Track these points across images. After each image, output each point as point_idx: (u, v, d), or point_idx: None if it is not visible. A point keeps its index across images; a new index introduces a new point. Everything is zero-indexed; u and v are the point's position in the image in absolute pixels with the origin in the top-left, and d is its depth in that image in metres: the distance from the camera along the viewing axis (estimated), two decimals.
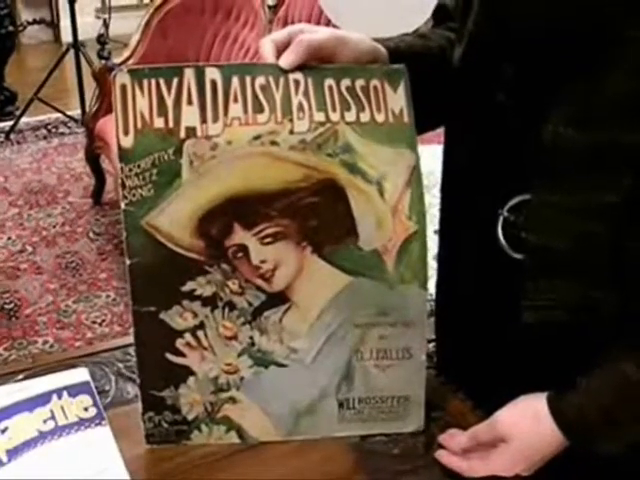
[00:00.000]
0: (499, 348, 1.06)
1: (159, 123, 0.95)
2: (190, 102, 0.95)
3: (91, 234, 3.89)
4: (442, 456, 1.01)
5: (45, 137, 5.14)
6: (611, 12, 0.87)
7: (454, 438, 1.01)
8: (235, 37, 4.20)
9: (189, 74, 0.95)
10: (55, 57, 5.38)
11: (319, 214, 0.96)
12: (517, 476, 0.97)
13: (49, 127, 5.25)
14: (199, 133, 0.95)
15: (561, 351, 0.97)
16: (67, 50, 5.29)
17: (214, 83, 0.95)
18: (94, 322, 3.22)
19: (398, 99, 0.97)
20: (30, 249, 3.78)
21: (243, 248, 0.96)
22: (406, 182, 0.97)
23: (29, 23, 7.75)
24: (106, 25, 6.88)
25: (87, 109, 4.57)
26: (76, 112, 5.22)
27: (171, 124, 0.95)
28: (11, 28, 5.55)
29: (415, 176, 0.97)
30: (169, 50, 4.22)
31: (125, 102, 0.95)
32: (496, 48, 0.99)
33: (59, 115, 5.22)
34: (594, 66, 0.89)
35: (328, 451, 1.03)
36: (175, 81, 0.95)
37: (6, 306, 3.32)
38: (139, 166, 0.94)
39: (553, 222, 0.94)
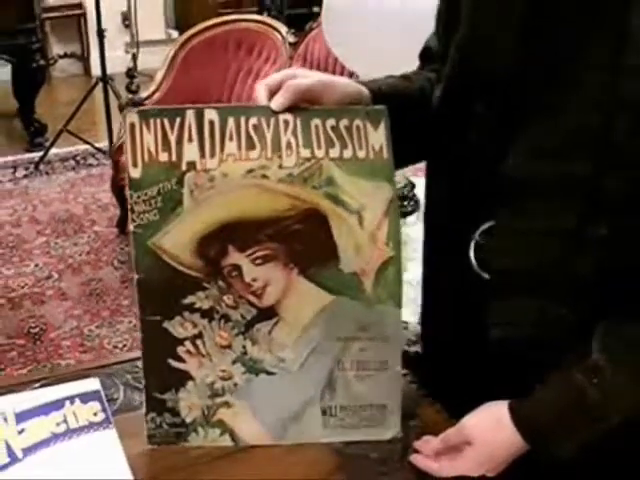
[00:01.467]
0: (472, 363, 1.16)
1: (164, 157, 1.07)
2: (191, 139, 1.07)
3: (115, 262, 4.03)
4: (416, 459, 1.11)
5: (73, 168, 5.29)
6: (565, 59, 0.98)
7: (427, 443, 1.12)
8: (257, 72, 4.33)
9: (190, 115, 1.07)
10: (85, 90, 5.53)
11: (304, 239, 1.07)
12: (483, 477, 1.07)
13: (77, 158, 5.40)
14: (198, 167, 1.06)
15: (526, 364, 1.07)
16: (96, 83, 5.44)
17: (212, 123, 1.07)
18: (116, 347, 3.34)
19: (379, 137, 1.09)
20: (56, 276, 3.91)
21: (237, 268, 1.08)
22: (384, 212, 1.08)
23: (60, 57, 7.95)
24: (134, 59, 7.08)
25: (114, 141, 4.72)
26: (104, 144, 5.37)
27: (174, 158, 1.07)
28: (42, 62, 5.73)
29: (392, 207, 1.08)
30: (193, 85, 4.35)
31: (134, 138, 1.07)
32: (468, 90, 1.10)
33: (87, 147, 5.37)
34: (549, 105, 1.00)
35: (313, 455, 1.14)
36: (178, 121, 1.07)
37: (32, 330, 3.45)
38: (146, 194, 1.06)
39: (515, 245, 1.05)
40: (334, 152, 1.08)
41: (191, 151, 1.07)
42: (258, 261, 1.08)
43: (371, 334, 1.10)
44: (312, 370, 1.11)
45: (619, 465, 1.09)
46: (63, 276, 3.90)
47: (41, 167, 5.23)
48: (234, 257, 1.07)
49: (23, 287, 3.80)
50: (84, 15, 7.85)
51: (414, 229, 2.01)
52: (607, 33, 0.96)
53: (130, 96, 4.37)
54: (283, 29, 4.29)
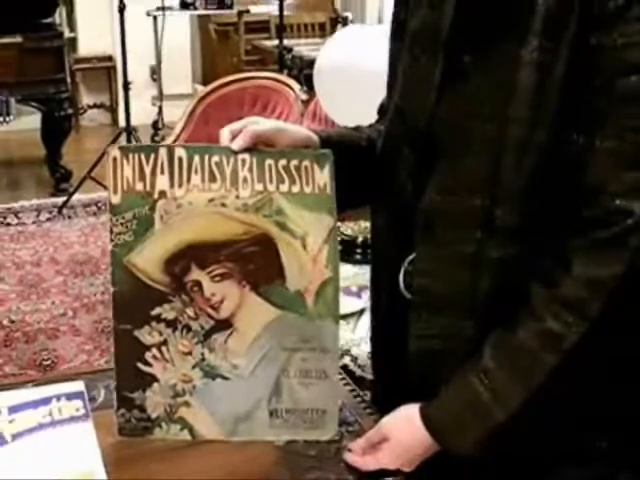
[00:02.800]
0: (404, 374, 1.33)
1: (139, 186, 1.26)
2: (162, 172, 1.26)
3: None
4: (346, 456, 1.29)
5: (95, 213, 5.52)
6: (466, 113, 1.18)
7: (356, 442, 1.29)
8: None
9: (162, 152, 1.27)
10: (111, 139, 5.78)
11: (256, 261, 1.26)
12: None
13: (99, 204, 5.64)
14: (168, 195, 1.25)
15: (440, 371, 1.25)
16: (120, 134, 5.68)
17: (180, 159, 1.26)
18: None
19: (324, 176, 1.27)
20: (71, 313, 4.11)
21: (198, 284, 1.26)
22: (325, 239, 1.26)
23: (89, 107, 8.26)
24: (160, 111, 7.35)
25: None
26: None
27: (148, 188, 1.26)
28: (70, 111, 6.00)
29: (332, 235, 1.27)
30: (210, 138, 4.54)
31: (115, 170, 1.26)
32: (399, 137, 1.30)
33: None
34: (453, 151, 1.20)
35: (259, 450, 1.32)
36: (152, 156, 1.26)
37: (44, 362, 3.65)
38: (124, 217, 1.26)
39: (429, 269, 1.23)
40: (284, 187, 1.26)
41: (162, 182, 1.26)
42: (216, 278, 1.26)
43: (312, 346, 1.28)
44: (261, 376, 1.29)
45: (519, 463, 1.25)
46: (77, 314, 4.11)
47: (64, 211, 5.46)
48: (196, 274, 1.26)
49: (39, 322, 4.00)
50: (114, 67, 8.15)
51: None
52: (498, 88, 1.15)
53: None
54: (296, 87, 4.51)
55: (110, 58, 8.20)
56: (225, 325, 1.27)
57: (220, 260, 1.26)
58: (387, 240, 1.36)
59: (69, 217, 5.44)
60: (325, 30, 8.79)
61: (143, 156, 1.27)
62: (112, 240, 1.26)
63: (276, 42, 7.63)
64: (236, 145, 1.26)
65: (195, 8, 7.59)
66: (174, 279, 1.26)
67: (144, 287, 1.26)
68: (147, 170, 1.26)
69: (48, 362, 3.65)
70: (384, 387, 1.45)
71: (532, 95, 1.12)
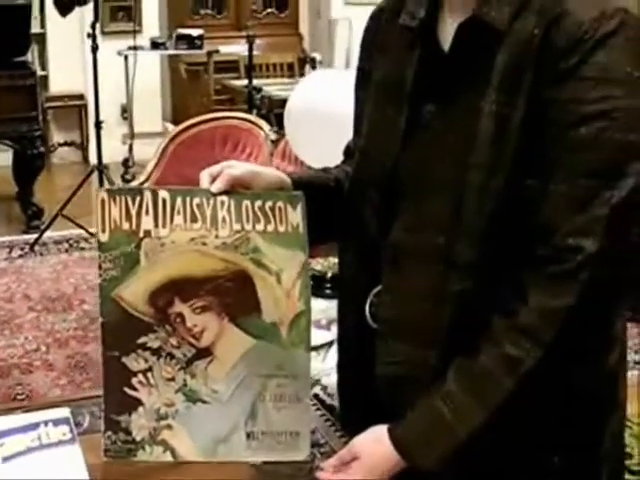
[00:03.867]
0: (371, 398, 1.43)
1: (126, 226, 1.36)
2: (147, 213, 1.36)
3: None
4: (319, 474, 1.38)
5: (66, 250, 5.60)
6: (428, 158, 1.30)
7: (328, 461, 1.39)
8: None
9: (147, 194, 1.37)
10: (82, 177, 5.86)
11: (234, 294, 1.36)
12: None
13: (70, 242, 5.71)
14: (153, 234, 1.36)
15: (404, 395, 1.35)
16: (92, 171, 5.77)
17: (164, 201, 1.37)
18: None
19: (296, 216, 1.38)
20: (44, 349, 4.18)
21: (181, 315, 1.36)
22: (298, 274, 1.37)
23: (60, 145, 8.33)
24: (131, 150, 7.44)
25: None
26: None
27: (134, 227, 1.36)
28: (42, 149, 6.07)
29: (304, 270, 1.37)
30: (181, 177, 4.65)
31: (103, 211, 1.37)
32: (366, 180, 1.41)
33: (80, 231, 5.68)
34: (417, 193, 1.32)
35: (237, 470, 1.41)
36: (138, 198, 1.37)
37: (18, 397, 3.71)
38: (111, 254, 1.36)
39: (394, 300, 1.34)
40: (259, 226, 1.37)
41: (147, 222, 1.36)
42: (198, 310, 1.36)
43: (286, 372, 1.38)
44: (239, 400, 1.39)
45: (479, 477, 1.35)
46: (50, 349, 4.17)
47: (36, 248, 5.54)
48: (179, 307, 1.36)
49: (12, 357, 4.07)
50: (85, 105, 8.23)
51: None
52: (459, 137, 1.27)
53: (123, 184, 4.68)
54: (266, 127, 4.61)
55: (81, 97, 8.30)
56: (206, 353, 1.37)
57: (201, 294, 1.36)
58: (354, 273, 1.47)
59: (41, 254, 5.51)
60: (293, 70, 8.97)
61: (129, 198, 1.37)
62: (101, 275, 1.36)
63: (245, 82, 7.77)
64: (215, 188, 1.36)
65: (166, 48, 7.73)
66: (158, 311, 1.36)
67: (131, 318, 1.36)
68: (133, 211, 1.36)
69: (22, 396, 3.71)
70: (351, 411, 1.55)
71: (490, 144, 1.24)
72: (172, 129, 8.58)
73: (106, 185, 5.67)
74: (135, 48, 6.95)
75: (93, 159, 7.62)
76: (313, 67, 7.88)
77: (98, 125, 5.78)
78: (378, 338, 1.38)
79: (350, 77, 2.51)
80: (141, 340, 1.37)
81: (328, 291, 2.47)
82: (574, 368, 1.26)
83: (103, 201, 1.37)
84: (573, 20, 1.21)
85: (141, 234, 1.36)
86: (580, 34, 1.20)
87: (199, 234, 1.36)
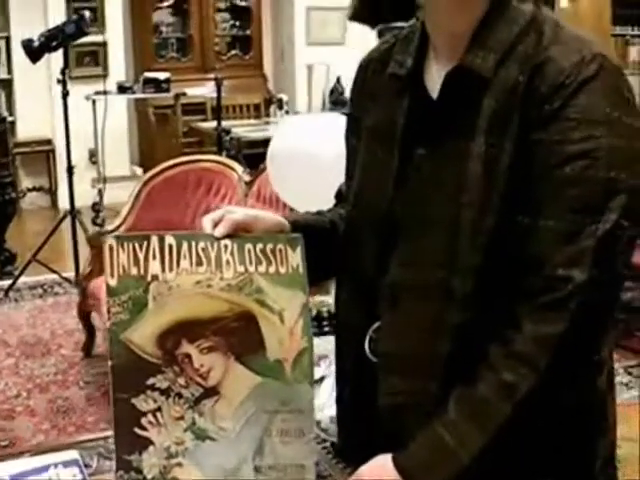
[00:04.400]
0: (372, 430, 1.49)
1: (134, 271, 1.41)
2: (154, 258, 1.42)
3: (81, 383, 4.33)
4: None
5: (41, 296, 5.61)
6: (422, 198, 1.37)
7: None
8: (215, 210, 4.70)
9: (154, 240, 1.43)
10: (52, 222, 5.91)
11: (239, 334, 1.42)
12: None
13: (45, 287, 5.73)
14: (160, 278, 1.41)
15: (408, 424, 1.41)
16: (64, 216, 5.80)
17: (170, 246, 1.43)
18: None
19: (296, 257, 1.45)
20: (25, 394, 4.19)
21: (188, 356, 1.41)
22: (299, 313, 1.43)
23: (29, 190, 8.35)
24: (100, 194, 7.47)
25: (81, 270, 5.06)
26: (70, 274, 5.71)
27: (142, 272, 1.41)
28: (13, 195, 6.10)
29: (305, 309, 1.43)
30: (156, 220, 4.69)
31: (112, 256, 1.42)
32: (362, 219, 1.48)
33: (55, 276, 5.70)
34: (412, 233, 1.39)
35: None
36: (145, 244, 1.42)
37: (1, 443, 3.72)
38: (120, 299, 1.41)
39: (394, 334, 1.41)
40: (262, 268, 1.43)
41: (155, 267, 1.41)
42: (204, 351, 1.41)
43: (291, 408, 1.44)
44: (246, 436, 1.43)
45: None
46: (31, 394, 4.19)
47: (10, 294, 5.54)
48: (186, 347, 1.41)
49: None
50: (53, 151, 8.26)
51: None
52: (450, 178, 1.34)
53: (98, 229, 4.72)
54: (239, 169, 4.70)
55: (49, 142, 8.34)
56: (213, 392, 1.43)
57: (207, 335, 1.41)
58: (352, 310, 1.53)
59: (16, 300, 5.52)
60: (260, 111, 9.06)
61: (137, 244, 1.43)
62: (109, 319, 1.41)
63: (213, 123, 7.86)
64: (218, 232, 1.43)
65: (133, 92, 7.79)
66: (166, 352, 1.41)
67: (139, 360, 1.41)
68: (141, 256, 1.42)
69: (6, 442, 3.72)
70: (352, 442, 1.60)
71: (480, 184, 1.31)
72: (140, 172, 8.70)
73: (79, 229, 5.71)
74: (103, 93, 6.98)
75: (62, 204, 7.69)
76: (280, 107, 8.00)
77: (70, 170, 5.81)
78: (379, 371, 1.44)
79: (329, 120, 2.62)
80: (150, 381, 1.41)
81: (315, 329, 2.53)
82: (566, 391, 1.32)
83: (111, 247, 1.42)
84: (555, 66, 1.29)
85: (149, 278, 1.41)
86: (562, 79, 1.28)
87: (205, 277, 1.41)
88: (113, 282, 1.41)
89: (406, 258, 1.41)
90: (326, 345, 2.26)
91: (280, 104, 8.02)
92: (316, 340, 1.88)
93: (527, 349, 1.27)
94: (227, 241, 1.44)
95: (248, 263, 1.43)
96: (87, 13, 5.96)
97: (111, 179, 7.72)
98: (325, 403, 1.94)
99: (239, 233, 1.44)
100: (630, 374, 4.37)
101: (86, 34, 5.79)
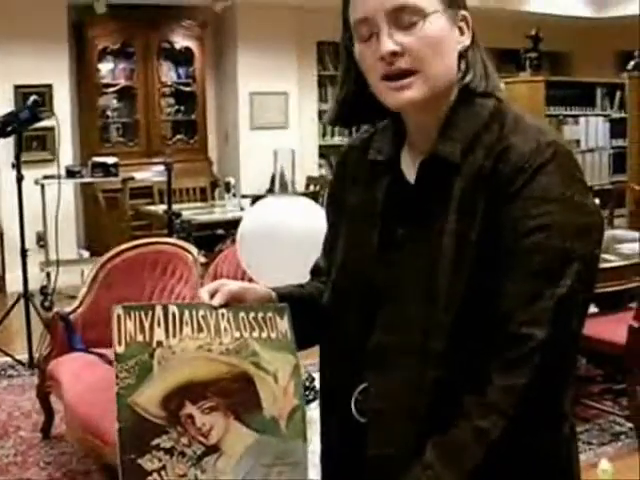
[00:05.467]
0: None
1: (140, 338, 1.53)
2: (159, 325, 1.54)
3: (42, 463, 4.35)
4: None
5: None
6: (403, 265, 1.53)
7: None
8: (171, 289, 4.80)
9: (159, 309, 1.56)
10: (2, 305, 5.91)
11: (238, 394, 1.54)
12: None
13: None
14: (164, 344, 1.53)
15: (396, 473, 1.51)
16: (18, 299, 5.84)
17: (174, 314, 1.55)
18: None
19: (284, 324, 1.59)
20: None
21: (191, 416, 1.52)
22: (290, 374, 1.56)
23: None
24: (49, 277, 7.51)
25: (35, 352, 5.10)
26: (23, 356, 5.74)
27: (147, 339, 1.53)
28: None
29: (296, 370, 1.57)
30: (113, 301, 4.72)
31: (119, 325, 1.54)
32: (346, 289, 1.63)
33: (7, 359, 5.72)
34: (394, 299, 1.54)
35: None
36: (150, 313, 1.55)
37: None
38: (127, 364, 1.53)
39: (381, 395, 1.55)
40: (255, 334, 1.57)
41: (159, 333, 1.54)
42: (206, 410, 1.53)
43: (286, 461, 1.55)
44: None
45: None
46: None
47: None
48: (189, 408, 1.52)
49: None
50: (1, 235, 8.29)
51: (314, 412, 2.46)
52: (427, 253, 1.50)
53: (56, 309, 4.77)
54: (194, 251, 4.82)
55: None
56: (214, 449, 1.54)
57: (209, 396, 1.53)
58: (336, 374, 1.66)
59: None
60: (206, 194, 9.22)
61: (143, 313, 1.56)
62: (118, 384, 1.52)
63: (160, 206, 8.00)
64: (216, 302, 1.57)
65: (81, 176, 7.90)
66: (170, 413, 1.52)
67: (145, 422, 1.51)
68: (146, 324, 1.55)
69: None
70: None
71: (453, 256, 1.47)
72: (87, 256, 8.76)
73: (32, 312, 5.76)
74: (56, 177, 7.07)
75: (10, 288, 7.72)
76: (227, 190, 8.16)
77: (24, 254, 5.90)
78: (368, 428, 1.57)
79: (295, 203, 2.78)
80: (155, 441, 1.51)
81: None
82: (534, 436, 1.47)
83: (119, 317, 1.55)
84: (516, 152, 1.46)
85: (154, 344, 1.53)
86: (522, 164, 1.45)
87: (205, 342, 1.55)
88: (121, 349, 1.53)
89: (388, 323, 1.55)
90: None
91: (227, 187, 8.19)
92: None
93: (497, 398, 1.42)
94: (223, 310, 1.58)
95: (243, 329, 1.57)
96: (35, 98, 6.10)
97: (58, 262, 7.77)
98: None
99: (234, 303, 1.59)
100: (578, 440, 4.52)
101: (40, 120, 5.93)
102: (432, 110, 1.54)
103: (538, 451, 1.49)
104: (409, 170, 1.59)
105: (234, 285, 1.61)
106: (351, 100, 1.62)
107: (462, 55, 1.53)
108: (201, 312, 1.57)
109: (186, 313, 1.57)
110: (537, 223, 1.43)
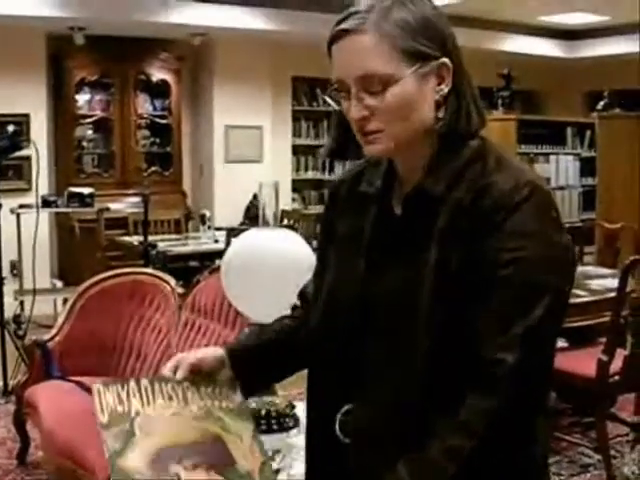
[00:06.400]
0: None
1: (120, 409, 1.67)
2: (134, 396, 1.70)
3: None
4: None
5: None
6: (388, 292, 1.62)
7: None
8: (148, 320, 4.84)
9: (132, 383, 1.72)
10: None
11: (215, 453, 1.68)
12: None
13: None
14: (142, 413, 1.68)
15: None
16: None
17: (146, 387, 1.71)
18: None
19: (237, 397, 1.79)
20: None
21: (177, 474, 1.62)
22: (251, 437, 1.75)
23: None
24: (22, 306, 7.51)
25: (10, 380, 5.11)
26: None
27: (126, 409, 1.67)
28: None
29: (255, 433, 1.76)
30: (90, 330, 4.82)
31: (100, 398, 1.68)
32: (335, 311, 1.71)
33: None
34: (378, 325, 1.63)
35: None
36: (125, 386, 1.70)
37: None
38: (112, 432, 1.64)
39: (361, 418, 1.63)
40: (217, 403, 1.76)
41: (136, 404, 1.69)
42: (189, 468, 1.64)
43: None
44: None
45: None
46: None
47: None
48: (174, 467, 1.63)
49: None
50: None
51: (295, 439, 2.53)
52: (411, 280, 1.57)
53: (34, 337, 4.80)
54: (172, 281, 4.87)
55: None
56: None
57: (190, 455, 1.66)
58: (322, 394, 1.74)
59: None
60: (180, 226, 9.27)
61: (119, 386, 1.71)
62: (108, 450, 1.63)
63: (134, 237, 8.04)
64: (179, 376, 1.76)
65: (57, 206, 7.93)
66: (159, 473, 1.62)
67: None
68: (123, 396, 1.70)
69: None
70: None
71: (434, 285, 1.55)
72: (60, 285, 8.77)
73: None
74: (32, 206, 7.11)
75: None
76: (202, 223, 8.23)
77: (1, 282, 5.92)
78: (353, 447, 1.65)
79: (279, 234, 2.84)
80: None
81: (264, 427, 2.69)
82: (502, 460, 1.54)
83: (99, 391, 1.70)
84: (496, 189, 1.55)
85: (133, 414, 1.68)
86: (501, 201, 1.54)
87: (177, 410, 1.71)
88: (104, 419, 1.67)
89: (371, 349, 1.64)
90: (277, 442, 2.46)
91: (203, 219, 8.26)
92: (268, 437, 2.12)
93: (468, 419, 1.50)
94: (187, 383, 1.76)
95: (206, 399, 1.76)
96: (15, 127, 6.14)
97: (31, 292, 7.77)
98: None
99: (194, 375, 1.77)
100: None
101: (20, 149, 5.96)
102: (413, 153, 1.64)
103: (508, 473, 1.56)
104: (397, 202, 1.69)
105: (191, 358, 1.80)
106: (342, 139, 1.72)
107: (441, 103, 1.60)
108: (169, 384, 1.75)
109: (156, 385, 1.74)
110: (512, 256, 1.52)
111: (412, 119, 1.58)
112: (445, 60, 1.59)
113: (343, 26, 1.57)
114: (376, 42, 1.54)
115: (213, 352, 1.83)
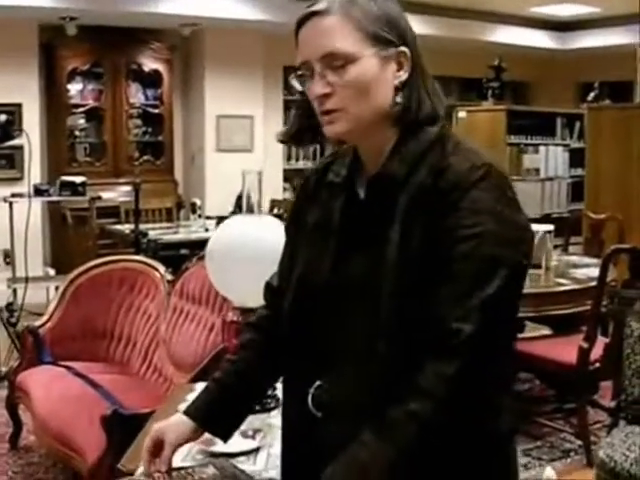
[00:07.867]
0: (320, 466, 1.69)
1: None
2: None
3: (10, 472, 4.45)
4: None
5: None
6: (358, 275, 1.69)
7: None
8: (138, 307, 4.93)
9: None
10: None
11: None
12: None
13: None
14: None
15: None
16: None
17: None
18: None
19: None
20: None
21: None
22: None
23: None
24: (15, 294, 7.57)
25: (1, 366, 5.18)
26: None
27: None
28: None
29: None
30: (81, 316, 4.91)
31: None
32: (305, 294, 1.78)
33: None
34: (346, 306, 1.71)
35: None
36: None
37: None
38: None
39: (330, 393, 1.71)
40: None
41: None
42: None
43: None
44: None
45: None
46: None
47: None
48: None
49: None
50: None
51: (275, 420, 2.61)
52: (376, 258, 1.65)
53: (27, 324, 4.87)
54: (161, 268, 4.94)
55: None
56: None
57: None
58: (295, 372, 1.82)
59: None
60: (172, 215, 9.33)
61: None
62: None
63: (126, 226, 8.10)
64: (163, 468, 1.88)
65: (49, 195, 7.98)
66: None
67: None
68: None
69: None
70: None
71: (396, 264, 1.63)
72: (53, 274, 8.82)
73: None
74: (24, 195, 7.17)
75: None
76: (193, 211, 8.30)
77: None
78: (322, 422, 1.73)
79: (261, 221, 2.92)
80: None
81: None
82: (463, 429, 1.60)
83: None
84: (453, 170, 1.63)
85: None
86: (458, 180, 1.62)
87: None
88: None
89: (339, 328, 1.72)
90: (258, 422, 2.54)
91: (194, 208, 8.33)
92: (250, 417, 2.20)
93: (427, 384, 1.57)
94: (175, 472, 1.93)
95: None
96: (7, 117, 6.19)
97: (24, 280, 7.84)
98: (263, 468, 2.22)
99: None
100: (529, 455, 4.72)
101: (12, 138, 6.02)
102: (373, 138, 1.72)
103: (466, 445, 1.63)
104: (362, 188, 1.77)
105: (167, 444, 1.90)
106: (300, 124, 1.81)
107: (399, 88, 1.68)
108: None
109: None
110: (469, 232, 1.60)
111: (371, 100, 1.66)
112: (404, 49, 1.68)
113: (312, 9, 1.67)
114: (341, 23, 1.64)
115: (175, 424, 1.93)
